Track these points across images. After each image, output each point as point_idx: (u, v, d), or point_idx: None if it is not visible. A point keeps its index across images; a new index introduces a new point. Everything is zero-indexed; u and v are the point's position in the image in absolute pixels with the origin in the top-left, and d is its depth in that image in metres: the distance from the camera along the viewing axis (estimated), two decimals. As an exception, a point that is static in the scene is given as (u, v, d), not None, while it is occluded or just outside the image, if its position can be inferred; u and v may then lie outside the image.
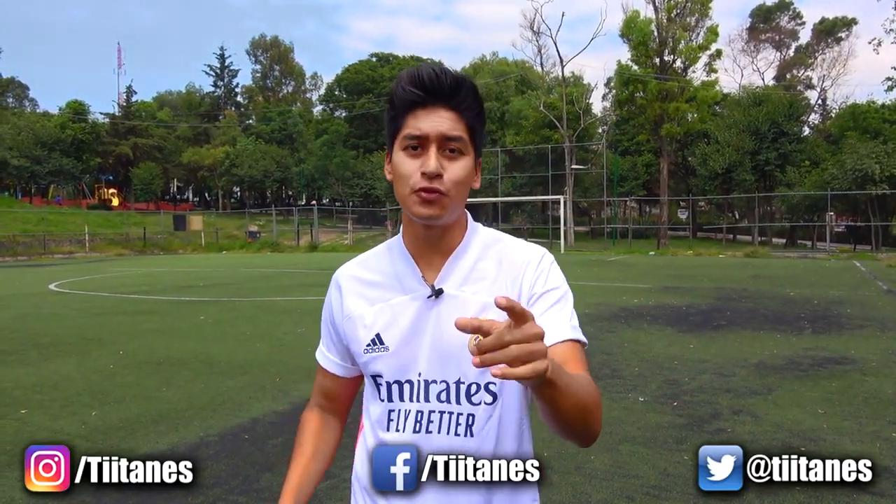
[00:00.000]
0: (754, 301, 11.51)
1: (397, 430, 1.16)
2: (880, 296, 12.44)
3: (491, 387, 1.15)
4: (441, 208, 1.11)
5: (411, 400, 1.16)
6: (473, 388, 1.15)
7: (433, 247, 1.19)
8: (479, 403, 1.15)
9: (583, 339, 1.15)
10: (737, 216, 46.38)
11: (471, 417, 1.14)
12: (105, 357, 7.07)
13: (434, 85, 1.11)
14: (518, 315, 0.82)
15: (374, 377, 1.20)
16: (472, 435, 1.14)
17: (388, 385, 1.18)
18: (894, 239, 34.47)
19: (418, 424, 1.15)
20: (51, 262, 28.52)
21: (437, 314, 1.16)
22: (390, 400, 1.18)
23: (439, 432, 1.14)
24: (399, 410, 1.17)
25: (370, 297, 1.22)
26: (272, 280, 17.20)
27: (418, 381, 1.16)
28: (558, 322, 1.14)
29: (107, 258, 32.02)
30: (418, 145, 1.11)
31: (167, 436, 4.45)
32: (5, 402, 5.35)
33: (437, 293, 1.17)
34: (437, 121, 1.11)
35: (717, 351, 7.11)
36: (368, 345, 1.19)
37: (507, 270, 1.19)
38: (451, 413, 1.14)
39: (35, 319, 10.05)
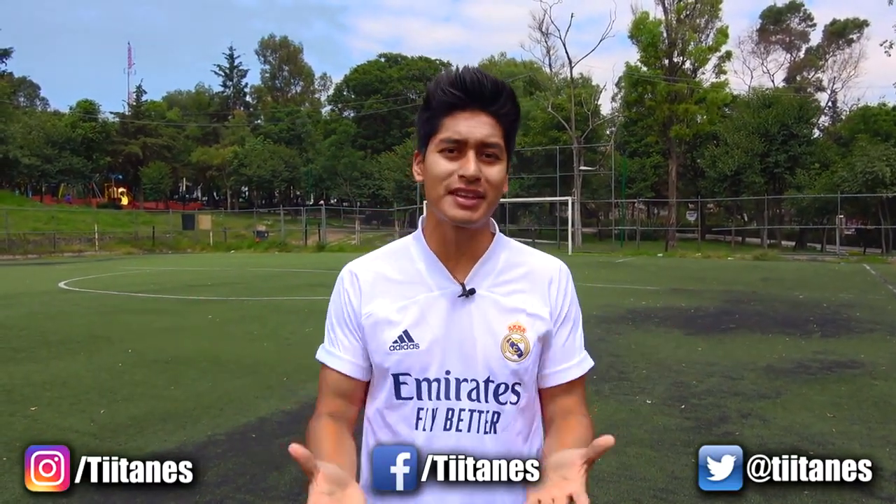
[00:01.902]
0: (763, 304, 11.45)
1: (425, 430, 1.16)
2: (890, 299, 12.36)
3: (517, 387, 1.18)
4: (479, 211, 1.13)
5: (438, 398, 1.16)
6: (502, 387, 1.17)
7: (460, 250, 1.20)
8: (506, 403, 1.17)
9: (591, 364, 1.27)
10: (746, 218, 46.19)
11: (496, 415, 1.17)
12: (114, 355, 7.10)
13: (475, 89, 1.11)
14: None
15: (397, 375, 1.18)
16: (496, 432, 1.16)
17: (417, 382, 1.17)
18: (905, 242, 34.20)
19: (448, 422, 1.16)
20: (60, 261, 28.70)
21: (469, 313, 1.17)
22: (419, 398, 1.17)
23: (469, 431, 1.16)
24: (427, 409, 1.17)
25: (392, 293, 1.20)
26: (280, 280, 17.25)
27: (447, 378, 1.16)
28: (575, 354, 1.25)
29: (116, 257, 32.19)
30: (455, 148, 1.12)
31: (175, 434, 4.47)
32: (15, 399, 5.39)
33: (469, 293, 1.18)
34: (476, 125, 1.12)
35: (726, 354, 7.07)
36: (395, 341, 1.17)
37: (534, 280, 1.22)
38: (480, 412, 1.16)
39: (44, 317, 10.12)
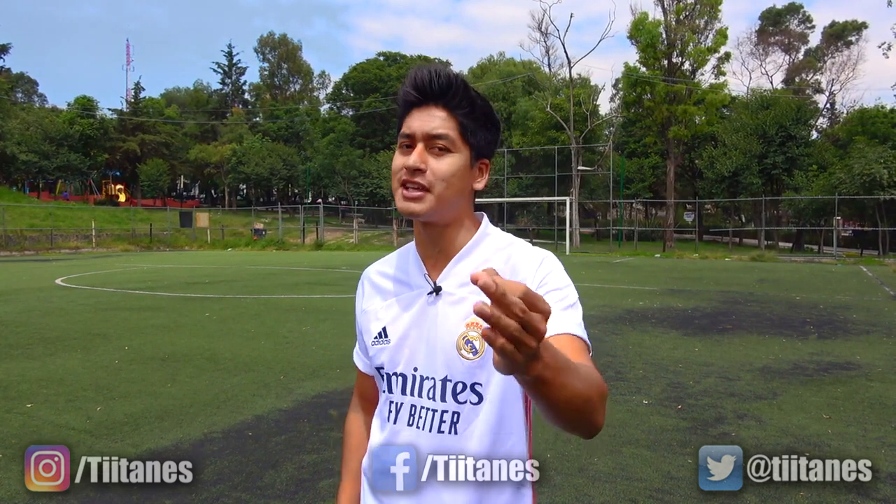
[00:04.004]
0: (760, 305, 11.47)
1: (393, 423, 1.20)
2: (887, 301, 12.38)
3: (477, 387, 1.15)
4: (423, 204, 1.13)
5: (403, 393, 1.20)
6: (459, 386, 1.15)
7: (437, 246, 1.21)
8: (465, 402, 1.15)
9: (586, 339, 1.09)
10: (743, 220, 46.26)
11: (456, 415, 1.15)
12: (110, 352, 7.09)
13: (425, 85, 1.14)
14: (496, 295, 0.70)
15: (378, 369, 1.24)
16: (455, 433, 1.14)
17: (388, 377, 1.22)
18: (902, 244, 34.25)
19: (411, 418, 1.18)
20: (57, 258, 28.63)
21: (435, 311, 1.19)
22: (390, 391, 1.22)
23: (426, 429, 1.16)
24: (396, 402, 1.21)
25: (385, 292, 1.27)
26: (277, 278, 17.23)
27: (413, 375, 1.19)
28: (563, 319, 1.09)
29: (113, 254, 32.13)
30: (409, 143, 1.15)
31: (171, 432, 4.46)
32: (11, 395, 5.38)
33: (437, 290, 1.19)
34: (426, 119, 1.14)
35: (722, 354, 7.09)
36: (376, 337, 1.24)
37: (511, 273, 1.16)
38: (436, 410, 1.16)
39: (41, 314, 10.10)
